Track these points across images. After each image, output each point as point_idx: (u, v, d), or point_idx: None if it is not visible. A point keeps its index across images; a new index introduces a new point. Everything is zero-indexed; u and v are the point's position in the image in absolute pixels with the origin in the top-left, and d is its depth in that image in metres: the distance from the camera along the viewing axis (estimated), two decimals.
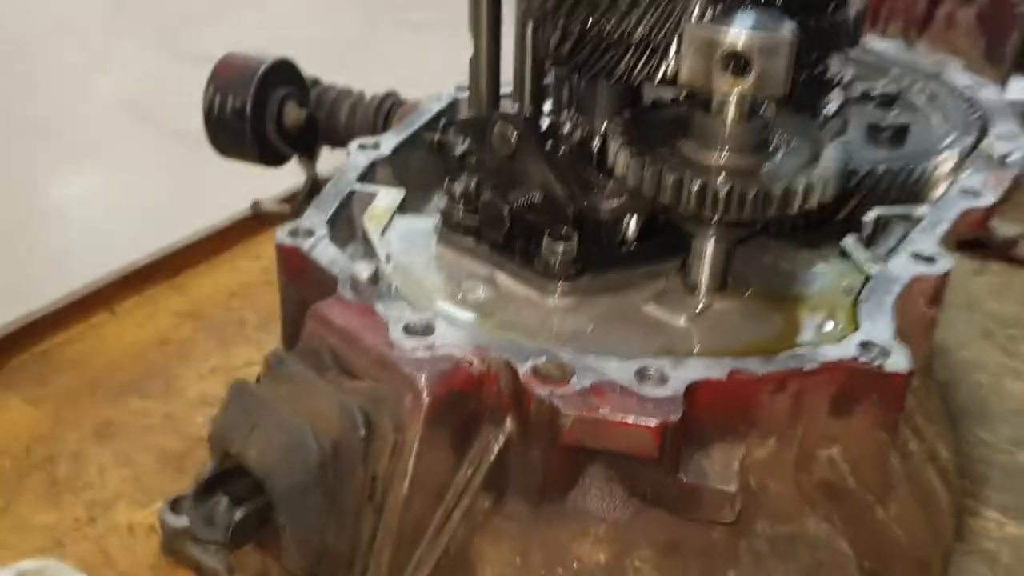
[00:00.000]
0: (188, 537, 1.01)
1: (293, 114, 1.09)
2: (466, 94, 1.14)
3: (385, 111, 1.19)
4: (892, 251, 0.95)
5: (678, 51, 0.76)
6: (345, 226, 0.98)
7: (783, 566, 0.80)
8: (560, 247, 0.85)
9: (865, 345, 0.80)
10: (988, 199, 1.04)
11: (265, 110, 1.06)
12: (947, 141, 1.15)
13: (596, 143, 0.88)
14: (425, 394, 0.76)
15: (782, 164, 0.81)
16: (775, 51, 0.72)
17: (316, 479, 0.74)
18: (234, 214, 1.69)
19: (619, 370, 0.76)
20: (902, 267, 0.91)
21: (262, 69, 1.06)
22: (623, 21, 0.80)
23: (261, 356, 1.42)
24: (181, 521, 1.02)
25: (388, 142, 1.08)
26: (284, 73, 1.11)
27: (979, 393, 1.24)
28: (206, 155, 1.43)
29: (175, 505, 1.04)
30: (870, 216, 0.99)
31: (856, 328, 0.83)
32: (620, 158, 0.84)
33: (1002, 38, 1.79)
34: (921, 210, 1.01)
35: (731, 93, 0.73)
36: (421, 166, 1.11)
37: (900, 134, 1.16)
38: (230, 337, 1.41)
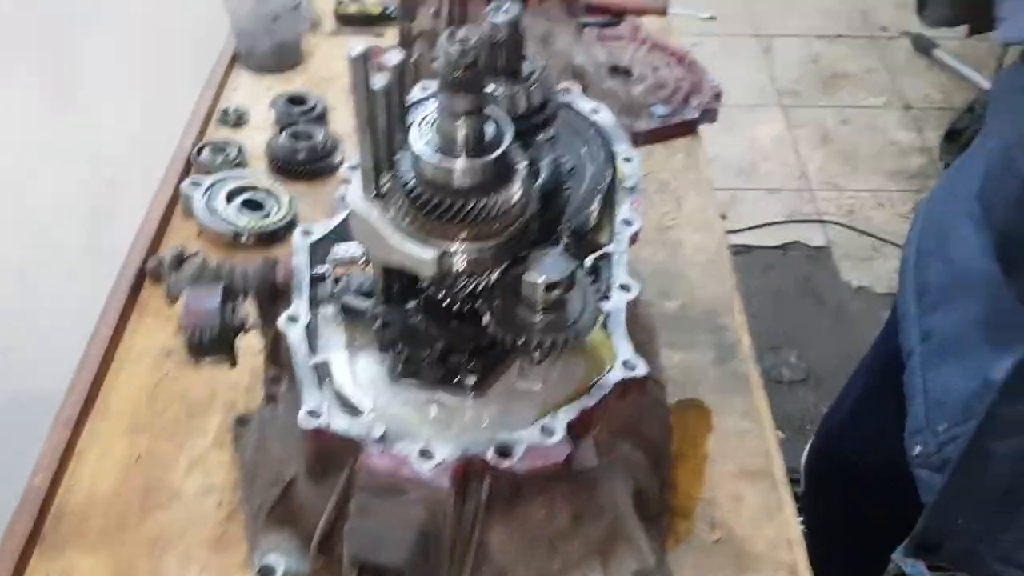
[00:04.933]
0: None
1: (238, 319, 1.62)
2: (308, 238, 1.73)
3: (271, 266, 1.74)
4: (608, 287, 1.76)
5: None
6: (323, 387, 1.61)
7: (618, 471, 1.67)
8: (471, 377, 1.58)
9: (625, 363, 1.64)
10: (638, 224, 1.86)
11: (224, 325, 1.58)
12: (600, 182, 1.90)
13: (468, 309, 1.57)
14: (449, 486, 1.50)
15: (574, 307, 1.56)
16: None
17: (424, 552, 1.48)
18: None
19: (531, 433, 1.54)
20: (617, 299, 1.72)
21: (218, 303, 1.57)
22: None
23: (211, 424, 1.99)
24: None
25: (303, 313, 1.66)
26: (225, 292, 1.61)
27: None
28: None
29: None
30: (588, 264, 1.78)
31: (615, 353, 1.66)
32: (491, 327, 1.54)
33: None
34: (610, 248, 1.81)
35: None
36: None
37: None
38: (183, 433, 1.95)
